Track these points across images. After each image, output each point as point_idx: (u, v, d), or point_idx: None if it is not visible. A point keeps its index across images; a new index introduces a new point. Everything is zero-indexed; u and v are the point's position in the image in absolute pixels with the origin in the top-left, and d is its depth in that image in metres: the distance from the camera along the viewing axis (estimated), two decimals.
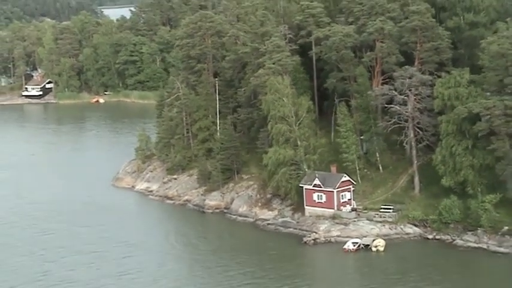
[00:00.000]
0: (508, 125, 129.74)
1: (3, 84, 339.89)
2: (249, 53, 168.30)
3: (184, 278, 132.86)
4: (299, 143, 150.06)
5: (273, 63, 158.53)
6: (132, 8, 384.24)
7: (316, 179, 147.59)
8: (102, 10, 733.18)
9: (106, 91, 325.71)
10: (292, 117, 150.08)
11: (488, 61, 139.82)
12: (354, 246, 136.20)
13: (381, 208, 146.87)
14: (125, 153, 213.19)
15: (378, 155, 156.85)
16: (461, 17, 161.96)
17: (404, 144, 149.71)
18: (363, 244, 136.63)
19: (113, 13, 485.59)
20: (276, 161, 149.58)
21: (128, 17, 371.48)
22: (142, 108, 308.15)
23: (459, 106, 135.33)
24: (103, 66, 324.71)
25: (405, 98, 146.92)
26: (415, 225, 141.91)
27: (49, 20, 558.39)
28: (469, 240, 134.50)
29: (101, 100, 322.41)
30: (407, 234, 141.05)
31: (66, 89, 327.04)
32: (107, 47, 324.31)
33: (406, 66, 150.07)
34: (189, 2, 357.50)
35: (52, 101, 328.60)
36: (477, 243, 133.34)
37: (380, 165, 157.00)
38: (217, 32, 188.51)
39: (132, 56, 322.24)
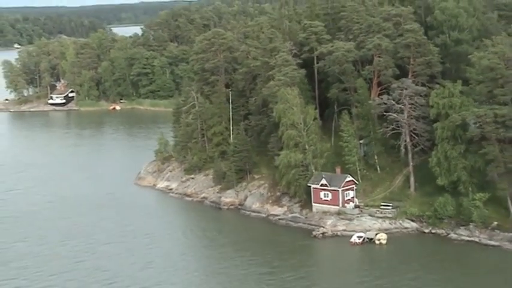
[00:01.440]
0: (497, 131, 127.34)
1: (30, 93, 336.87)
2: (260, 67, 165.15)
3: (204, 267, 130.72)
4: (307, 147, 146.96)
5: (282, 76, 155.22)
6: (139, 27, 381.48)
7: (323, 179, 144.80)
8: (111, 28, 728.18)
9: (121, 99, 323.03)
10: (300, 124, 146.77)
11: (478, 74, 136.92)
12: (359, 239, 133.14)
13: (381, 205, 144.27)
14: (143, 155, 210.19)
15: (376, 157, 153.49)
16: (448, 35, 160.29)
17: (402, 148, 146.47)
18: (367, 238, 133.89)
19: (120, 31, 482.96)
20: (286, 163, 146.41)
21: (139, 34, 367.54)
22: (154, 114, 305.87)
23: (453, 114, 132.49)
24: (119, 77, 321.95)
25: (402, 106, 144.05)
26: (412, 221, 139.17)
27: (65, 37, 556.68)
28: (462, 234, 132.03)
29: (117, 107, 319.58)
30: (405, 228, 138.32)
31: (86, 98, 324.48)
32: (122, 61, 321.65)
33: (403, 79, 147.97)
34: (194, 21, 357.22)
35: (74, 108, 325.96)
36: (469, 237, 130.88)
37: (378, 166, 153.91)
38: (229, 48, 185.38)
39: (145, 68, 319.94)
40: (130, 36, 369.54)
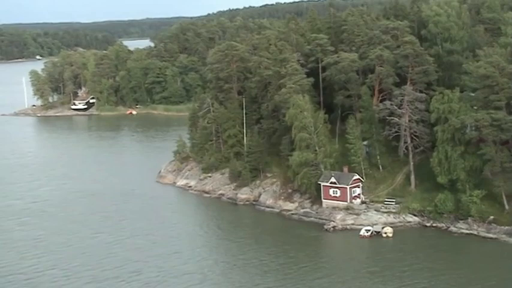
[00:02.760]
0: (494, 134, 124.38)
1: (55, 99, 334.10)
2: (272, 75, 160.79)
3: (225, 257, 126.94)
4: (317, 148, 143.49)
5: (293, 84, 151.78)
6: (145, 40, 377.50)
7: (332, 177, 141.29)
8: (122, 41, 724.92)
9: (137, 105, 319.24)
10: (311, 127, 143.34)
11: (472, 82, 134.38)
12: (368, 233, 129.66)
13: (385, 201, 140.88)
14: (161, 155, 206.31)
15: (378, 157, 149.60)
16: (441, 46, 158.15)
17: (403, 149, 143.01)
18: (375, 231, 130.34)
19: (129, 44, 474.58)
20: (299, 162, 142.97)
21: (153, 46, 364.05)
22: (166, 118, 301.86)
23: (453, 118, 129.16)
24: (135, 85, 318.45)
25: (403, 111, 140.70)
26: (415, 215, 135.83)
27: (81, 49, 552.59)
28: (461, 227, 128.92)
29: (134, 112, 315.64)
30: (408, 222, 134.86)
31: (105, 104, 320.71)
32: (138, 70, 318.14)
33: (404, 86, 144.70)
34: (200, 35, 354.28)
35: (94, 113, 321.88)
36: (468, 230, 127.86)
37: (380, 165, 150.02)
38: (241, 59, 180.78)
39: (158, 77, 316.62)
40: (144, 48, 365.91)
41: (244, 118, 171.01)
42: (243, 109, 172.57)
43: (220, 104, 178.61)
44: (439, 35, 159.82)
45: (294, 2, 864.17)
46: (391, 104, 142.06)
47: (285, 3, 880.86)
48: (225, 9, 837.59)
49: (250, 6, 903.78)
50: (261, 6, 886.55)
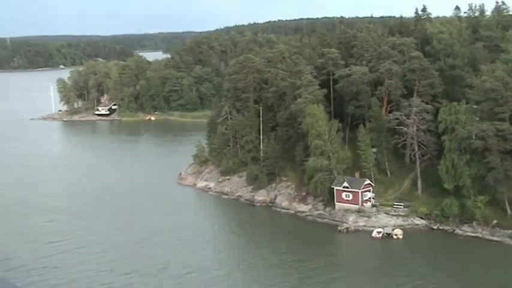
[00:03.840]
0: (498, 144, 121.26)
1: (79, 105, 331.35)
2: (288, 86, 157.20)
3: (244, 254, 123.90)
4: (331, 155, 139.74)
5: (308, 94, 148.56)
6: (159, 52, 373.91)
7: (345, 182, 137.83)
8: (137, 53, 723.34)
9: (155, 111, 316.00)
10: (325, 135, 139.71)
11: (475, 95, 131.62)
12: (379, 234, 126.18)
13: (394, 204, 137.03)
14: (179, 158, 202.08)
15: (386, 163, 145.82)
16: (443, 61, 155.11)
17: (411, 156, 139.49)
18: (386, 233, 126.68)
19: (143, 56, 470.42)
20: (314, 168, 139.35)
21: (170, 58, 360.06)
22: (182, 124, 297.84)
23: (460, 129, 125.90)
24: (153, 93, 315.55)
25: (411, 121, 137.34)
26: (422, 218, 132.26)
27: (101, 59, 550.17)
28: (466, 230, 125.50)
29: (152, 118, 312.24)
30: (416, 225, 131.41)
31: (126, 110, 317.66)
32: (156, 80, 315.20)
33: (412, 98, 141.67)
34: (214, 48, 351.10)
35: (116, 118, 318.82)
36: (473, 233, 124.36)
37: (388, 171, 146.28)
38: (257, 70, 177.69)
39: (175, 86, 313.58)
40: (162, 60, 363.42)
41: (261, 125, 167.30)
42: (259, 117, 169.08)
43: (237, 112, 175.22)
44: (442, 50, 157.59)
45: (294, 20, 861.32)
46: (400, 115, 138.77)
47: (286, 20, 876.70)
48: (232, 25, 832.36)
49: (254, 23, 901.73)
50: (264, 23, 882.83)
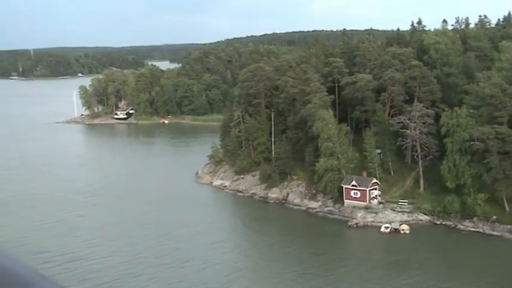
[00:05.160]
0: (498, 145, 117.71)
1: (100, 110, 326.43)
2: (298, 93, 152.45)
3: (259, 247, 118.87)
4: (340, 156, 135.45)
5: (317, 100, 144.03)
6: (166, 62, 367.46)
7: (354, 180, 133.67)
8: (148, 63, 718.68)
9: (169, 115, 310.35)
10: (335, 137, 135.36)
11: (472, 100, 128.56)
12: (387, 229, 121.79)
13: (399, 201, 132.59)
14: (194, 159, 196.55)
15: (390, 163, 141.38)
16: (440, 70, 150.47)
17: (415, 157, 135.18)
18: (393, 228, 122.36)
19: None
20: (324, 168, 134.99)
21: (182, 67, 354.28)
22: (193, 127, 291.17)
23: (461, 132, 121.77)
24: (167, 99, 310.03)
25: (414, 125, 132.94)
26: (425, 214, 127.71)
27: (115, 68, 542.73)
28: (468, 225, 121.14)
29: (166, 121, 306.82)
30: (420, 220, 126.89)
31: (142, 114, 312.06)
32: (169, 87, 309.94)
33: (415, 103, 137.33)
34: (220, 58, 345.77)
35: (133, 122, 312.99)
36: (475, 228, 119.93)
37: (392, 170, 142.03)
38: (268, 78, 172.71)
39: (186, 92, 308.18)
40: (174, 68, 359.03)
41: (273, 128, 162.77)
42: (270, 120, 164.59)
43: (250, 116, 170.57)
44: (439, 60, 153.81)
45: (288, 33, 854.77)
46: (404, 119, 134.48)
47: (280, 33, 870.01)
48: (231, 38, 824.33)
49: (252, 35, 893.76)
50: (260, 35, 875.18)
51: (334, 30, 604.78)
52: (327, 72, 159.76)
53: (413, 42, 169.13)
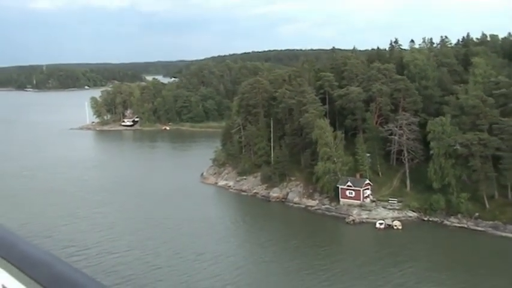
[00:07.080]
0: (480, 150, 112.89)
1: (108, 118, 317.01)
2: (295, 103, 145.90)
3: (262, 242, 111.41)
4: (335, 159, 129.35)
5: (314, 110, 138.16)
6: (160, 76, 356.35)
7: (349, 181, 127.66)
8: (145, 77, 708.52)
9: (170, 122, 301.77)
10: (331, 143, 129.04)
11: (451, 110, 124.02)
12: (382, 225, 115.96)
13: (389, 200, 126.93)
14: (197, 161, 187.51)
15: (378, 166, 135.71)
16: (418, 83, 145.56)
17: (402, 160, 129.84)
18: (387, 224, 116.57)
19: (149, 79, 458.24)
20: (322, 171, 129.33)
21: (180, 80, 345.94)
22: (192, 133, 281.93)
23: (446, 138, 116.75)
24: (168, 108, 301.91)
25: (401, 131, 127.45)
26: (414, 211, 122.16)
27: (117, 81, 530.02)
28: (453, 221, 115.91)
29: (167, 128, 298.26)
30: (410, 217, 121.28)
31: (146, 121, 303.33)
32: (170, 97, 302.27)
33: (400, 113, 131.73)
34: (213, 73, 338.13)
35: (138, 128, 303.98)
36: (460, 224, 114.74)
37: (380, 172, 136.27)
38: (266, 90, 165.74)
39: (185, 103, 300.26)
40: (174, 82, 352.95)
41: (272, 135, 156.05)
42: (269, 128, 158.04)
43: (250, 124, 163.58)
44: (417, 74, 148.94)
45: (264, 51, 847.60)
46: (393, 126, 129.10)
47: (258, 51, 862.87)
48: (216, 55, 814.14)
49: (234, 54, 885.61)
50: (241, 53, 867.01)
51: (303, 49, 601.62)
52: (318, 85, 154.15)
53: (393, 59, 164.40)
